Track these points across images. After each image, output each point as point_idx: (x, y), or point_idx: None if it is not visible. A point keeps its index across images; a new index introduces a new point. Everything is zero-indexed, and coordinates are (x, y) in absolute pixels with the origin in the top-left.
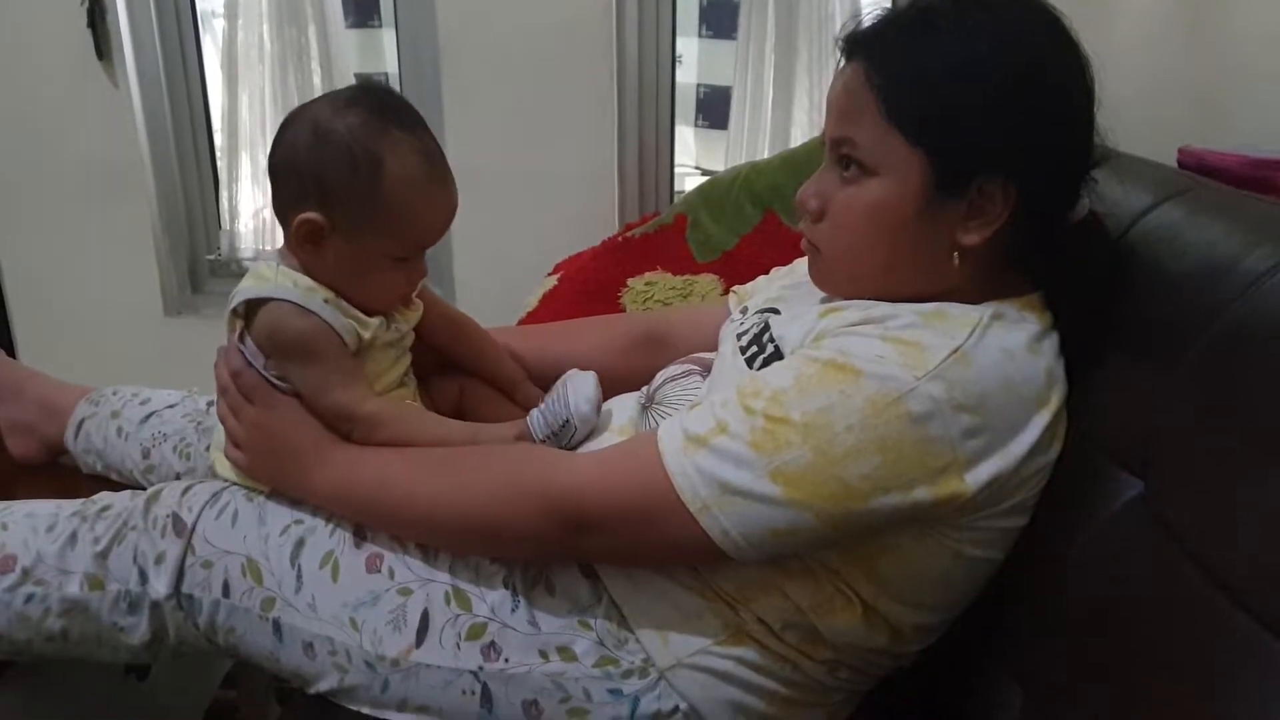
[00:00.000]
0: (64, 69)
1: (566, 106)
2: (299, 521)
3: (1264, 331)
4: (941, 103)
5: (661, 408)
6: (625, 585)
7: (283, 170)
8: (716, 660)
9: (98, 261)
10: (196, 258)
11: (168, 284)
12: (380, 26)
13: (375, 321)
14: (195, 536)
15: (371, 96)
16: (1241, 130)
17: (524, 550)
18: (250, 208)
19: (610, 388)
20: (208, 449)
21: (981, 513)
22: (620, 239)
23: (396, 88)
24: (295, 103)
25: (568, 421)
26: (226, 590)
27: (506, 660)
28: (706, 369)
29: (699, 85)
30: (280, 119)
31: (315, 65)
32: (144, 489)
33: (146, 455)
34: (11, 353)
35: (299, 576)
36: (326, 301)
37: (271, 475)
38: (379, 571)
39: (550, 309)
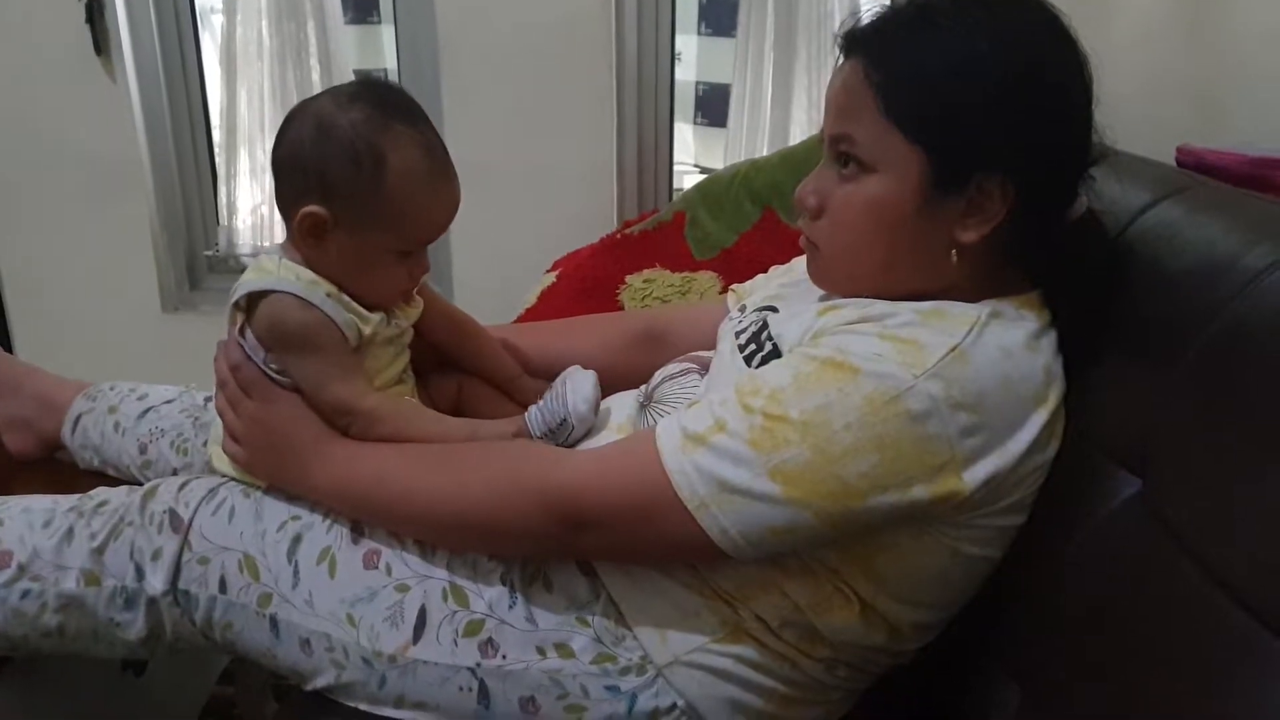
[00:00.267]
0: (62, 64)
1: (565, 103)
2: (296, 517)
3: (1262, 329)
4: (940, 100)
5: (660, 406)
6: (623, 582)
7: (286, 165)
8: (714, 658)
9: (95, 257)
10: (194, 254)
11: (165, 280)
12: (379, 22)
13: (376, 317)
14: (192, 532)
15: (375, 92)
16: (1240, 129)
17: (522, 547)
18: (249, 204)
19: (608, 386)
20: (205, 444)
21: (979, 511)
22: (619, 236)
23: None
24: (294, 99)
25: (565, 420)
26: (223, 586)
27: (504, 657)
28: (705, 367)
29: (698, 83)
30: (279, 115)
31: (314, 61)
32: (141, 484)
33: (143, 451)
34: (9, 348)
35: (296, 572)
36: (329, 295)
37: (269, 470)
38: (376, 568)
39: (549, 306)
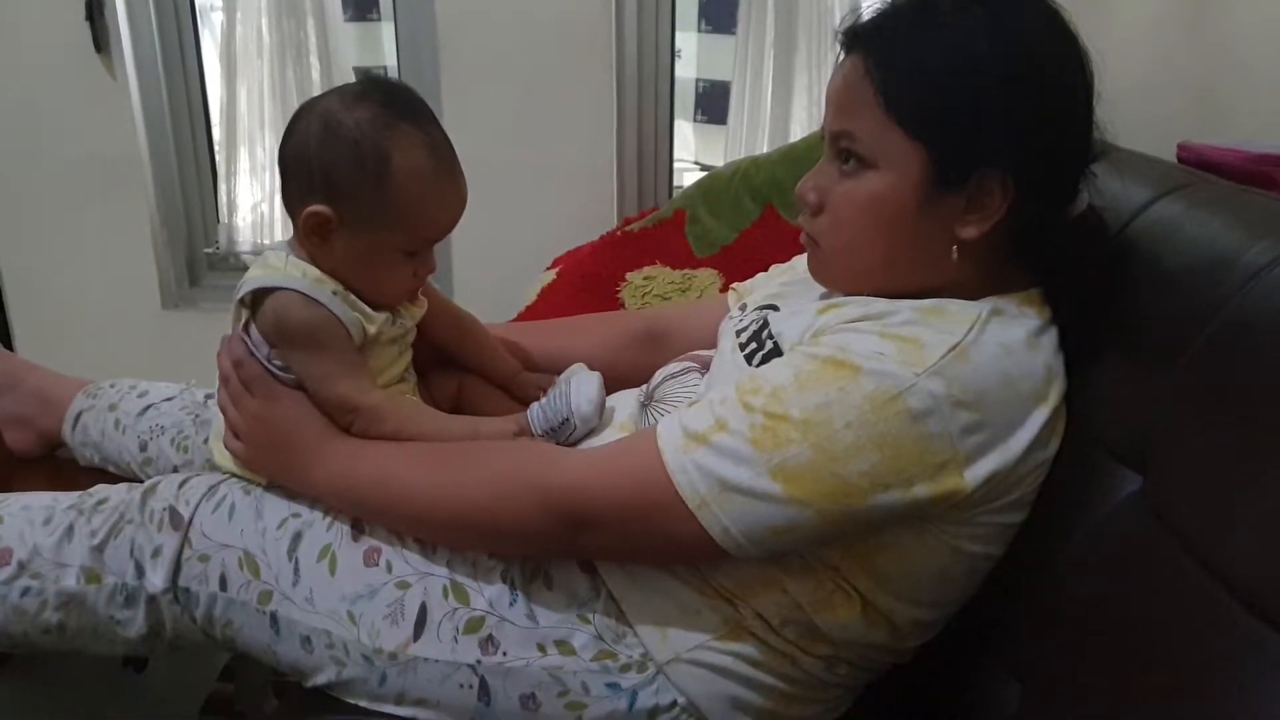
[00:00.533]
0: (62, 62)
1: (565, 101)
2: (296, 515)
3: (1264, 326)
4: (941, 96)
5: (661, 405)
6: (624, 580)
7: (292, 163)
8: (715, 655)
9: (95, 255)
10: (194, 251)
11: (166, 277)
12: (379, 20)
13: (381, 317)
14: (192, 530)
15: (382, 91)
16: (1241, 125)
17: (523, 546)
18: (249, 201)
19: (610, 384)
20: (205, 441)
21: (980, 509)
22: (619, 233)
23: None
24: (294, 96)
25: (567, 420)
26: (224, 584)
27: (504, 654)
28: (705, 366)
29: (698, 80)
30: (279, 112)
31: (314, 59)
32: (141, 482)
33: (144, 448)
34: (9, 345)
35: (296, 570)
36: (335, 294)
37: (270, 467)
38: (377, 565)
39: (549, 303)
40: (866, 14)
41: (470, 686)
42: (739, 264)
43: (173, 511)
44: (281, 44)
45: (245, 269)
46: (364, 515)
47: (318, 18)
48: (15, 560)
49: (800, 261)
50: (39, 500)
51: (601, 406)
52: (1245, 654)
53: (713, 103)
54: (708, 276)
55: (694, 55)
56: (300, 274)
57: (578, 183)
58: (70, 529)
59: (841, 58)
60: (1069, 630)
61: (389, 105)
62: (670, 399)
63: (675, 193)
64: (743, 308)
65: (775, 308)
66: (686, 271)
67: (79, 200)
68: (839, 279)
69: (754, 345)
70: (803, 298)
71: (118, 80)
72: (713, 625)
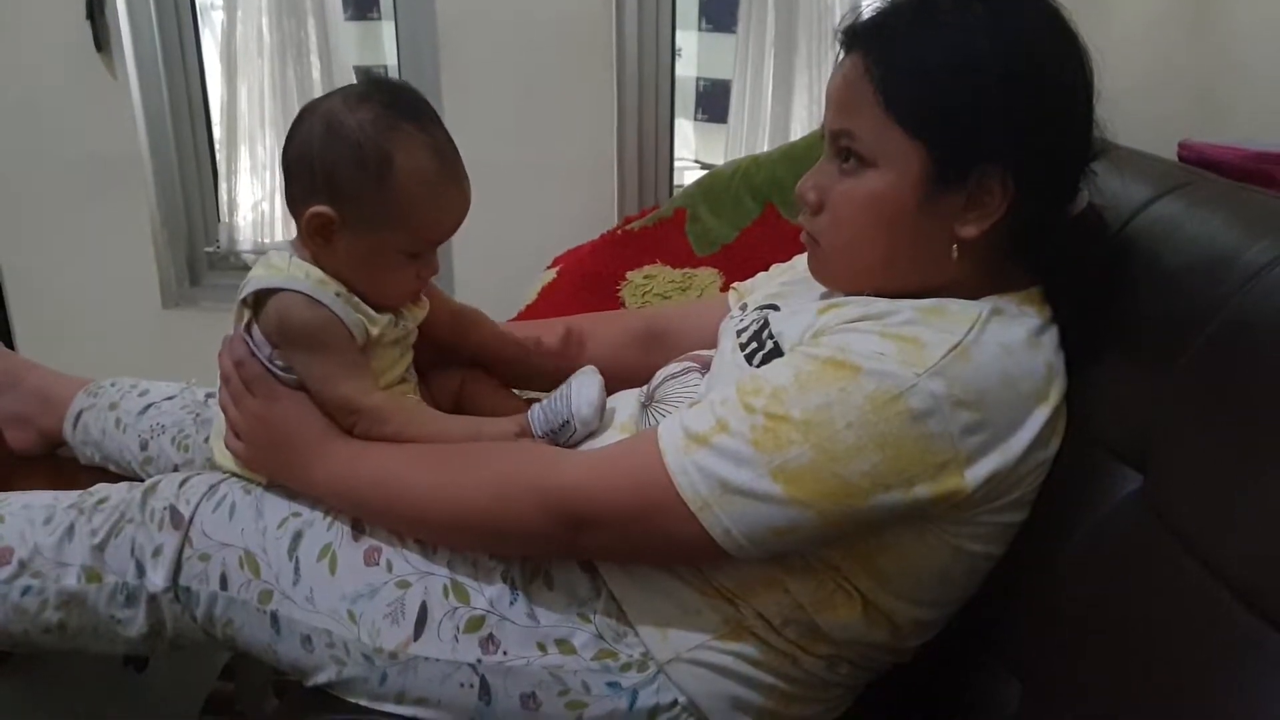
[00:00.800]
0: (62, 61)
1: (566, 100)
2: (297, 514)
3: (1264, 325)
4: (941, 95)
5: (661, 405)
6: (624, 580)
7: (295, 164)
8: (715, 655)
9: (96, 254)
10: (195, 250)
11: (166, 276)
12: (379, 19)
13: (384, 319)
14: (193, 529)
15: (385, 92)
16: (1242, 124)
17: (523, 547)
18: (249, 200)
19: (610, 384)
20: (206, 440)
21: (981, 508)
22: (619, 232)
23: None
24: (294, 96)
25: (568, 422)
26: (224, 583)
27: (505, 653)
28: (705, 366)
29: (698, 79)
30: (279, 111)
31: (314, 58)
32: (142, 481)
33: (144, 447)
34: (10, 344)
35: (297, 569)
36: (338, 295)
37: (270, 467)
38: (377, 564)
39: (549, 302)
40: (866, 13)
41: (471, 686)
42: (739, 263)
43: (173, 511)
44: (282, 43)
45: (246, 268)
46: (365, 516)
47: (318, 17)
48: (16, 559)
49: (801, 261)
50: (40, 499)
51: (602, 409)
52: (1245, 654)
53: (713, 101)
54: (708, 275)
55: (694, 54)
56: (303, 275)
57: (578, 182)
58: (71, 528)
59: (841, 56)
60: (1069, 629)
61: (392, 106)
62: (671, 399)
63: (675, 191)
64: (743, 307)
65: (776, 307)
66: (687, 270)
67: (79, 199)
68: (839, 278)
69: (754, 345)
70: (803, 297)
71: (118, 79)
72: (713, 625)
